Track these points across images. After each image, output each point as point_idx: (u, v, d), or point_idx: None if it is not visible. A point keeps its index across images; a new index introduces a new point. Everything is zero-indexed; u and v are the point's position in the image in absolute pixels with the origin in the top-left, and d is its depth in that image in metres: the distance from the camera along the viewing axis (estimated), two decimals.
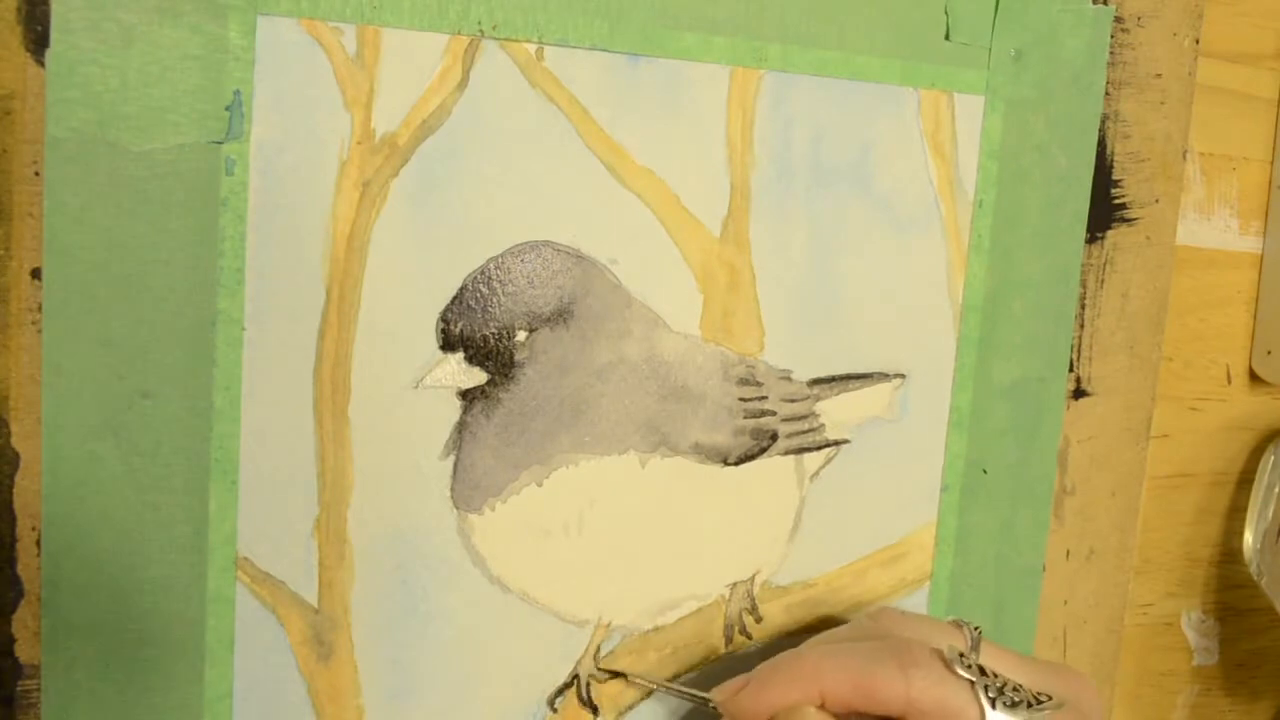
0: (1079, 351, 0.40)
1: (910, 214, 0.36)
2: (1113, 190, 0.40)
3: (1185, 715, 0.48)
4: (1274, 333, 0.44)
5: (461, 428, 0.31)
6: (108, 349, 0.28)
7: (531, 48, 0.31)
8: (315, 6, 0.28)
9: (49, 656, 0.28)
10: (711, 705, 0.32)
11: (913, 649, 0.30)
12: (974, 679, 0.29)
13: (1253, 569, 0.46)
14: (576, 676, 0.34)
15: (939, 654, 0.29)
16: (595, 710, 0.34)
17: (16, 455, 0.28)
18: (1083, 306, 0.39)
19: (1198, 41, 0.40)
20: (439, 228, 0.30)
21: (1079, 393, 0.40)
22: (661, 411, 0.33)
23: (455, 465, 0.31)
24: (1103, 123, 0.39)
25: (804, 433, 0.35)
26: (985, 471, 0.38)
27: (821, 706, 0.30)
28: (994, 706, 0.28)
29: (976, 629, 0.31)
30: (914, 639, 0.30)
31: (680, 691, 0.34)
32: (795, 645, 0.31)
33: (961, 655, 0.29)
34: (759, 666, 0.31)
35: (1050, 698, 0.29)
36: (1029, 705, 0.29)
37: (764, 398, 0.34)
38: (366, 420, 0.30)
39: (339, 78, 0.29)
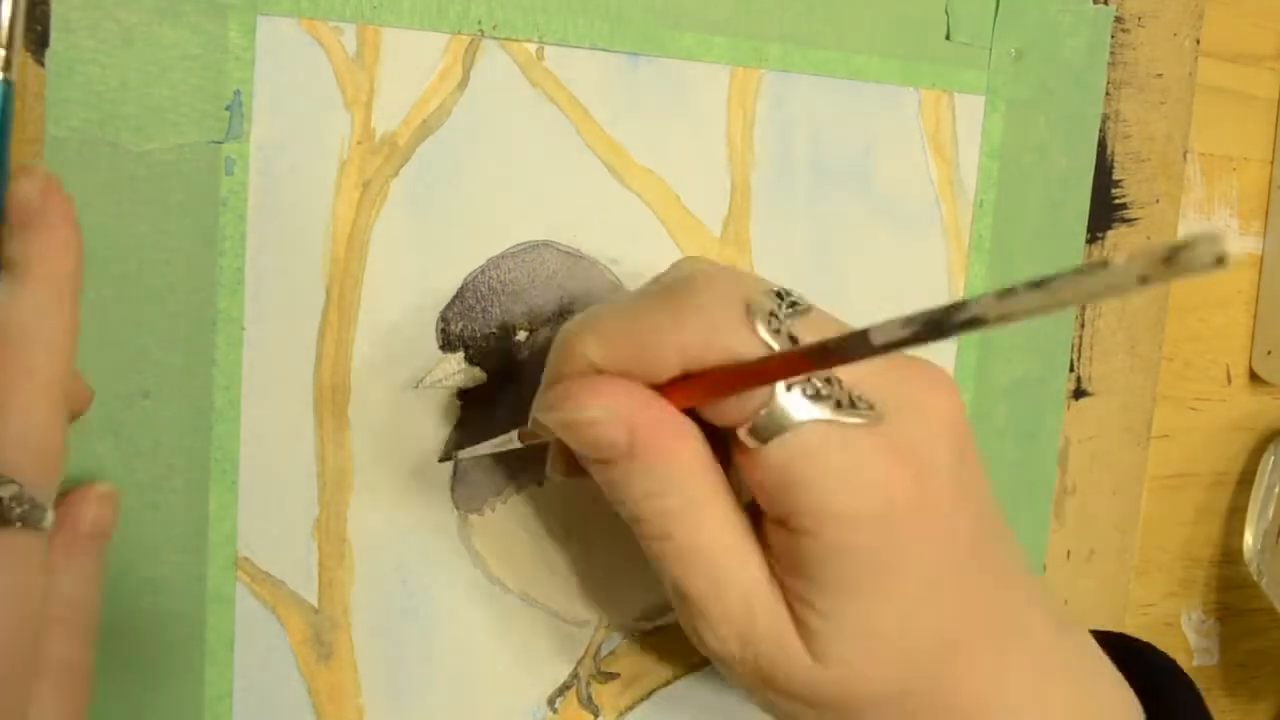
0: (1079, 351, 0.40)
1: (910, 214, 0.36)
2: (1113, 190, 0.40)
3: None
4: (1274, 333, 0.44)
5: (461, 428, 0.31)
6: (108, 349, 0.27)
7: (531, 47, 0.31)
8: (315, 6, 0.28)
9: None
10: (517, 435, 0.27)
11: (698, 292, 0.22)
12: (773, 341, 0.22)
13: (1253, 569, 0.46)
14: (576, 676, 0.33)
15: (741, 304, 0.22)
16: (595, 711, 0.34)
17: None
18: (1083, 306, 0.39)
19: (1198, 41, 0.40)
20: (439, 227, 0.30)
21: (1079, 393, 0.40)
22: None
23: (455, 465, 0.31)
24: (1103, 123, 0.39)
25: None
26: None
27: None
28: (788, 387, 0.21)
29: (800, 297, 0.24)
30: (715, 279, 0.23)
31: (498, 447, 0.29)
32: None
33: (772, 314, 0.22)
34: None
35: (872, 407, 0.22)
36: (838, 404, 0.22)
37: None
38: (366, 420, 0.30)
39: (339, 77, 0.29)
